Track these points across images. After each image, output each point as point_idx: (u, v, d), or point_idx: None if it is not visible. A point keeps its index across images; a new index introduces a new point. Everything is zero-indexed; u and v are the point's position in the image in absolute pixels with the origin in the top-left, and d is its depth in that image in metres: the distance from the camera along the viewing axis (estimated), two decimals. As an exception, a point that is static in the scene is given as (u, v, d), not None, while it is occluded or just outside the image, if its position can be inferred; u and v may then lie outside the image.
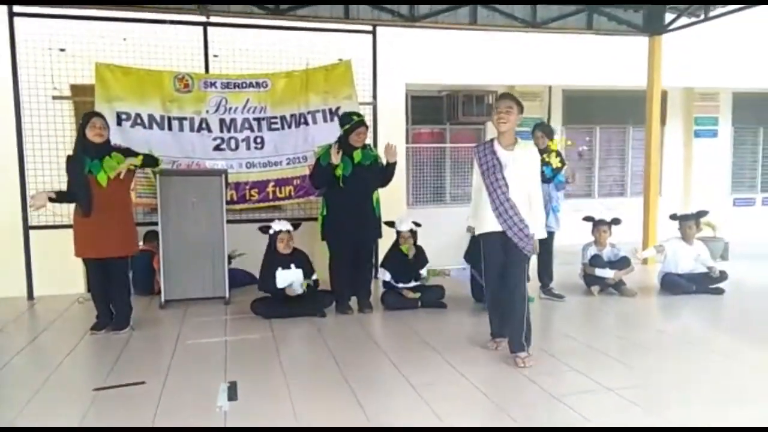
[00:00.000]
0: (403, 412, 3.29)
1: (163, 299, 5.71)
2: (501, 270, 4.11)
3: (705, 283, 6.06)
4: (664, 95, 10.63)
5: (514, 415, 3.21)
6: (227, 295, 5.84)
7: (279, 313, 5.24)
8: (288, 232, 5.38)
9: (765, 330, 4.91)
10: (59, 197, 4.61)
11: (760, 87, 10.83)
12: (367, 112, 6.90)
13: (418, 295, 5.54)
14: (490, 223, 4.07)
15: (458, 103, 9.79)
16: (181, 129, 6.30)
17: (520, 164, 4.02)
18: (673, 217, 6.25)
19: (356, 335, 4.80)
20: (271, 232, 5.38)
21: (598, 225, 6.14)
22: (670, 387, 3.64)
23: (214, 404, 3.38)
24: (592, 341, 4.53)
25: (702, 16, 7.00)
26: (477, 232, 4.23)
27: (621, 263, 6.05)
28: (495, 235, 4.06)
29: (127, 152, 4.82)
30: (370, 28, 6.78)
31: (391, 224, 5.64)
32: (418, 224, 5.73)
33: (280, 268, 5.30)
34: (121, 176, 4.65)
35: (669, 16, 7.28)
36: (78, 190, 4.58)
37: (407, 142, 9.68)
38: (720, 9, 6.93)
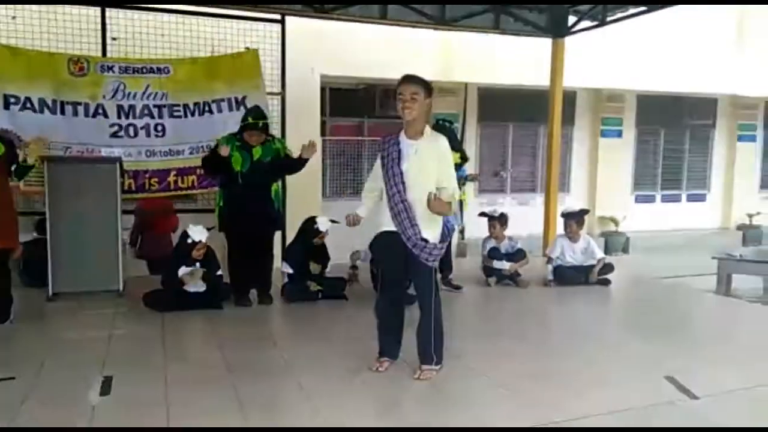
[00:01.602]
0: (285, 409, 3.28)
1: (50, 291, 5.45)
2: (398, 276, 3.70)
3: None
4: (573, 96, 11.12)
5: (404, 412, 3.27)
6: (121, 287, 5.65)
7: (173, 306, 5.10)
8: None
9: (642, 320, 5.22)
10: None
11: (662, 90, 11.48)
12: (275, 103, 6.84)
13: (318, 288, 5.54)
14: (387, 222, 3.61)
15: (376, 97, 9.88)
16: (75, 114, 6.02)
17: (424, 156, 3.51)
18: (563, 215, 6.52)
19: (251, 329, 4.75)
20: (189, 241, 5.17)
21: (489, 220, 6.35)
22: (548, 377, 3.79)
23: (84, 399, 3.27)
24: (482, 332, 4.67)
25: (601, 20, 7.30)
26: (380, 229, 3.70)
27: (517, 256, 6.28)
28: (392, 236, 3.57)
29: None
30: (278, 16, 6.69)
31: (312, 223, 5.57)
32: (334, 221, 5.73)
33: (184, 266, 5.16)
34: None
35: (572, 19, 7.57)
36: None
37: (324, 134, 9.67)
38: (619, 14, 7.26)
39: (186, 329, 4.76)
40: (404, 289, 3.78)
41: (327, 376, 3.72)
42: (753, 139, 13.13)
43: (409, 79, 3.55)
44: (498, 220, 6.30)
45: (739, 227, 12.92)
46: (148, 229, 6.80)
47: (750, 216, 12.76)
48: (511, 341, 4.46)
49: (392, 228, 3.58)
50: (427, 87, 3.56)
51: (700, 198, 13.04)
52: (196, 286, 5.16)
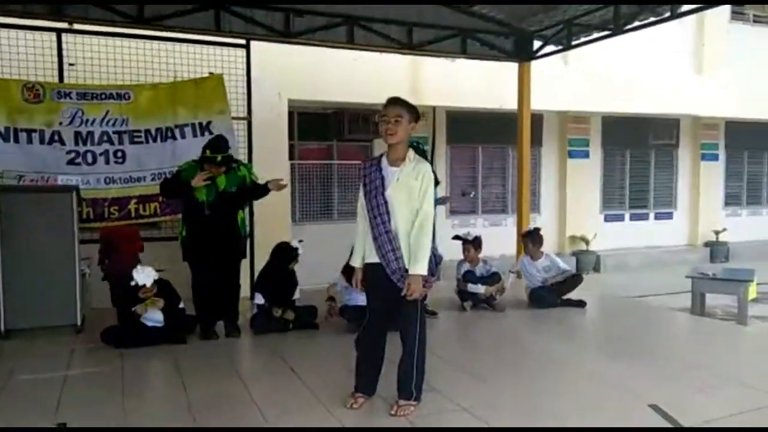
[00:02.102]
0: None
1: (2, 328, 5.14)
2: (384, 310, 3.49)
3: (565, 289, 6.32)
4: (540, 118, 11.20)
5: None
6: (79, 321, 5.36)
7: (132, 342, 4.84)
8: (155, 282, 4.92)
9: (620, 345, 5.14)
10: None
11: (626, 111, 11.65)
12: (241, 128, 6.69)
13: (293, 315, 5.35)
14: (371, 253, 3.44)
15: (345, 121, 9.77)
16: (30, 141, 5.80)
17: (407, 184, 3.35)
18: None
19: (216, 364, 4.52)
20: (132, 284, 4.91)
21: (464, 243, 6.27)
22: (520, 404, 3.68)
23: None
24: (456, 359, 4.52)
25: (566, 45, 7.37)
26: (364, 261, 3.52)
27: (492, 279, 6.18)
28: (376, 268, 3.41)
29: None
30: (243, 41, 6.58)
31: (288, 247, 5.42)
32: (300, 240, 5.58)
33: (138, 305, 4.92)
34: None
35: (537, 43, 7.63)
36: None
37: (293, 158, 9.52)
38: (583, 38, 7.35)
39: (147, 367, 4.51)
40: (391, 323, 3.54)
41: (298, 413, 3.54)
42: (716, 158, 13.38)
43: (393, 101, 3.40)
44: (472, 244, 6.22)
45: (706, 244, 13.10)
46: (114, 252, 6.51)
47: (716, 233, 12.96)
48: (489, 370, 4.33)
49: (376, 260, 3.40)
50: (412, 110, 3.40)
51: (667, 216, 13.20)
52: (154, 318, 4.91)
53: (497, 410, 3.55)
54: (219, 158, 4.87)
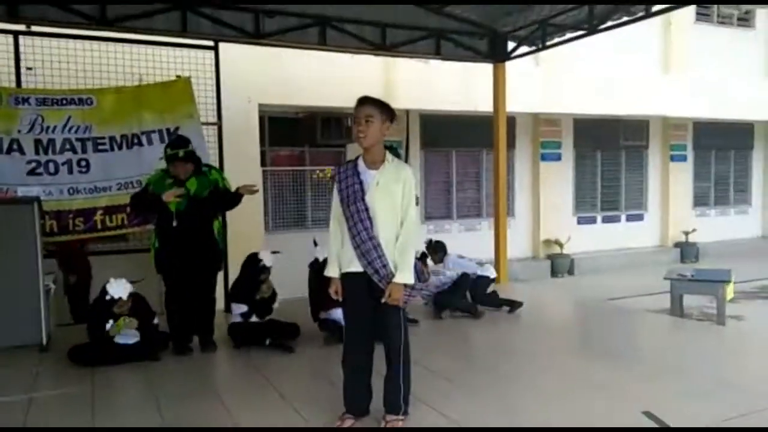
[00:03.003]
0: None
1: (-41, 350, 4.82)
2: (365, 322, 3.29)
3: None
4: (513, 121, 11.18)
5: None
6: (44, 340, 5.06)
7: (102, 360, 4.57)
8: (130, 296, 4.66)
9: (604, 350, 5.07)
10: None
11: (596, 113, 11.73)
12: (211, 134, 6.46)
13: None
14: (353, 262, 3.24)
15: (316, 126, 9.58)
16: (-13, 151, 5.46)
17: (387, 187, 3.19)
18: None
19: (192, 381, 4.30)
20: (107, 297, 4.63)
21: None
22: (509, 414, 3.56)
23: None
24: (441, 368, 4.38)
25: (540, 45, 7.34)
26: (341, 271, 3.33)
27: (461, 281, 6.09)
28: (358, 277, 3.23)
29: None
30: (211, 43, 6.36)
31: (255, 260, 5.17)
32: (276, 252, 5.37)
33: (111, 321, 4.64)
34: None
35: (511, 44, 7.58)
36: None
37: (264, 164, 9.31)
38: (557, 38, 7.32)
39: (118, 386, 4.25)
40: (374, 337, 3.35)
41: (274, 423, 3.36)
42: (684, 159, 13.59)
43: (363, 100, 3.22)
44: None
45: (677, 245, 13.27)
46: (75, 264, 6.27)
47: (686, 233, 13.14)
48: (474, 379, 4.20)
49: (356, 268, 3.21)
50: (384, 109, 3.22)
51: (639, 218, 13.34)
52: (127, 337, 4.65)
53: (486, 421, 3.42)
54: (181, 153, 4.64)
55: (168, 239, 4.72)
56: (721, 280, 6.34)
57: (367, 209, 3.17)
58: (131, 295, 4.66)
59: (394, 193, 3.19)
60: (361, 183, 3.21)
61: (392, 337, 3.25)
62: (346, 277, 3.28)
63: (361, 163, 3.28)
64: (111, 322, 4.59)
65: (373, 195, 3.18)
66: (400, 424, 3.29)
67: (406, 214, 3.23)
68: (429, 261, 6.11)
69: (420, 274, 3.41)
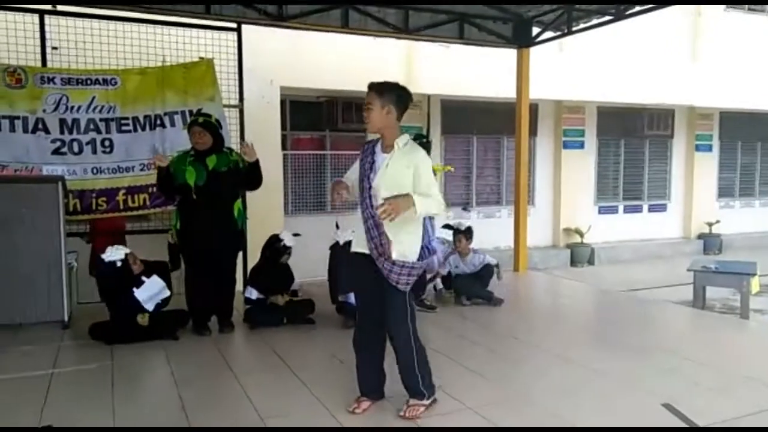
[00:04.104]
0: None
1: (-17, 325, 4.93)
2: (373, 303, 3.28)
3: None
4: (535, 108, 11.04)
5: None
6: (66, 317, 5.15)
7: (123, 338, 4.65)
8: (130, 254, 4.79)
9: (625, 341, 5.02)
10: None
11: (621, 101, 11.53)
12: (233, 116, 6.47)
13: (282, 301, 5.18)
14: (360, 242, 3.30)
15: (338, 110, 9.56)
16: (12, 129, 5.53)
17: (395, 172, 3.17)
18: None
19: (210, 360, 4.34)
20: (118, 264, 4.73)
21: (455, 234, 6.10)
22: (527, 403, 3.54)
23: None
24: (458, 356, 4.37)
25: (565, 30, 7.21)
26: (352, 249, 3.39)
27: (486, 270, 6.04)
28: (363, 258, 3.26)
29: None
30: (234, 25, 6.34)
31: (277, 240, 5.22)
32: (297, 234, 5.40)
33: (135, 288, 4.72)
34: None
35: (536, 30, 7.46)
36: None
37: (285, 148, 9.32)
38: (582, 24, 7.18)
39: (137, 363, 4.31)
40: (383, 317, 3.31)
41: (295, 411, 3.38)
42: (709, 149, 13.33)
43: (368, 87, 3.25)
44: (464, 234, 6.06)
45: (700, 236, 13.06)
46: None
47: (709, 225, 12.92)
48: (491, 367, 4.19)
49: (363, 249, 3.25)
50: (385, 95, 3.20)
51: (661, 208, 13.14)
52: (152, 293, 4.75)
53: (503, 409, 3.41)
54: (201, 119, 4.73)
55: (189, 218, 4.76)
56: (746, 272, 6.21)
57: (370, 188, 3.20)
58: (152, 264, 4.82)
59: (402, 177, 3.18)
60: (372, 163, 3.25)
61: (397, 321, 3.22)
62: (356, 257, 3.31)
63: (378, 145, 3.32)
64: (135, 288, 4.70)
65: (381, 177, 3.20)
66: (422, 410, 3.26)
67: (430, 193, 3.19)
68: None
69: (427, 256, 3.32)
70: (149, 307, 4.75)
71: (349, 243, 3.59)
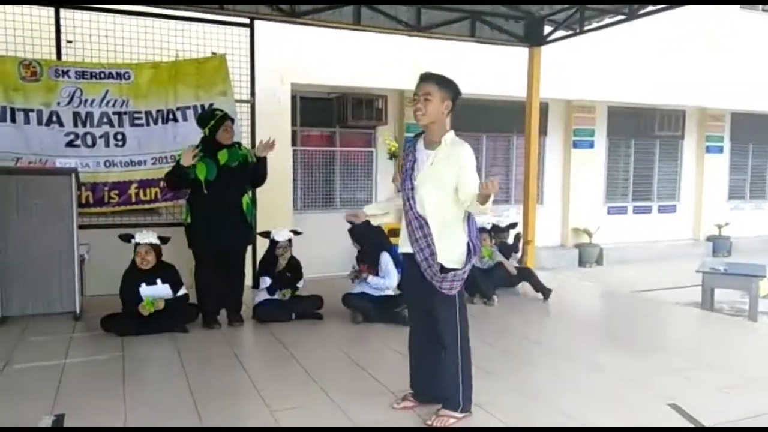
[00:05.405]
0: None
1: (-2, 315, 4.99)
2: (421, 304, 3.16)
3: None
4: (545, 107, 11.03)
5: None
6: (78, 309, 5.21)
7: (134, 330, 4.70)
8: (150, 245, 4.80)
9: (631, 341, 5.02)
10: None
11: (632, 101, 11.50)
12: (244, 111, 6.51)
13: (288, 294, 5.21)
14: (405, 241, 3.14)
15: (348, 106, 9.59)
16: (27, 122, 5.60)
17: (440, 169, 3.00)
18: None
19: (219, 353, 4.38)
20: (132, 242, 4.81)
21: (480, 232, 6.11)
22: (535, 401, 3.55)
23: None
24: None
25: (578, 30, 7.19)
26: (401, 250, 3.25)
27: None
28: (412, 259, 3.10)
29: None
30: (247, 20, 6.38)
31: (266, 234, 5.27)
32: (297, 232, 5.41)
33: (144, 284, 4.76)
34: None
35: (548, 29, 7.44)
36: None
37: (294, 144, 9.35)
38: (595, 23, 7.16)
39: (148, 356, 4.35)
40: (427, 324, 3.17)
41: (303, 405, 3.40)
42: (720, 150, 13.26)
43: (424, 77, 3.04)
44: (488, 233, 6.08)
45: (709, 238, 13.00)
46: None
47: (719, 227, 12.86)
48: (500, 365, 4.20)
49: (409, 249, 3.10)
50: (445, 86, 3.02)
51: (671, 209, 13.09)
52: (157, 294, 4.77)
53: (511, 407, 3.42)
54: (219, 113, 4.86)
55: (199, 213, 4.80)
56: (755, 275, 6.20)
57: (412, 187, 3.07)
58: (153, 246, 4.82)
59: (446, 175, 3.01)
60: (414, 161, 3.11)
61: (447, 326, 3.08)
62: (405, 258, 3.20)
63: (421, 140, 3.16)
64: (144, 286, 4.71)
65: (424, 174, 3.05)
66: (452, 422, 3.07)
67: (476, 191, 2.95)
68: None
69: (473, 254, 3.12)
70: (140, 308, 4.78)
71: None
